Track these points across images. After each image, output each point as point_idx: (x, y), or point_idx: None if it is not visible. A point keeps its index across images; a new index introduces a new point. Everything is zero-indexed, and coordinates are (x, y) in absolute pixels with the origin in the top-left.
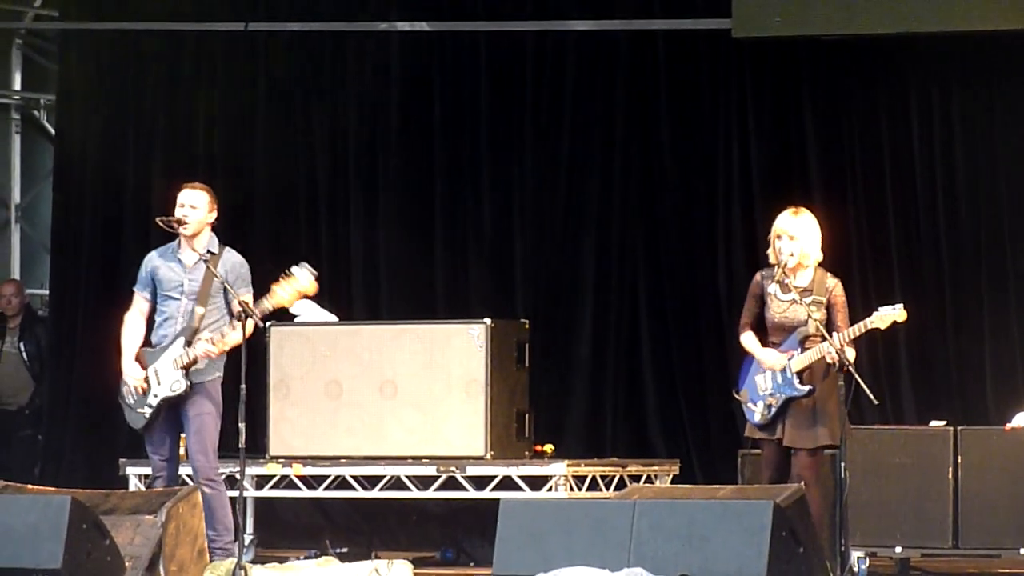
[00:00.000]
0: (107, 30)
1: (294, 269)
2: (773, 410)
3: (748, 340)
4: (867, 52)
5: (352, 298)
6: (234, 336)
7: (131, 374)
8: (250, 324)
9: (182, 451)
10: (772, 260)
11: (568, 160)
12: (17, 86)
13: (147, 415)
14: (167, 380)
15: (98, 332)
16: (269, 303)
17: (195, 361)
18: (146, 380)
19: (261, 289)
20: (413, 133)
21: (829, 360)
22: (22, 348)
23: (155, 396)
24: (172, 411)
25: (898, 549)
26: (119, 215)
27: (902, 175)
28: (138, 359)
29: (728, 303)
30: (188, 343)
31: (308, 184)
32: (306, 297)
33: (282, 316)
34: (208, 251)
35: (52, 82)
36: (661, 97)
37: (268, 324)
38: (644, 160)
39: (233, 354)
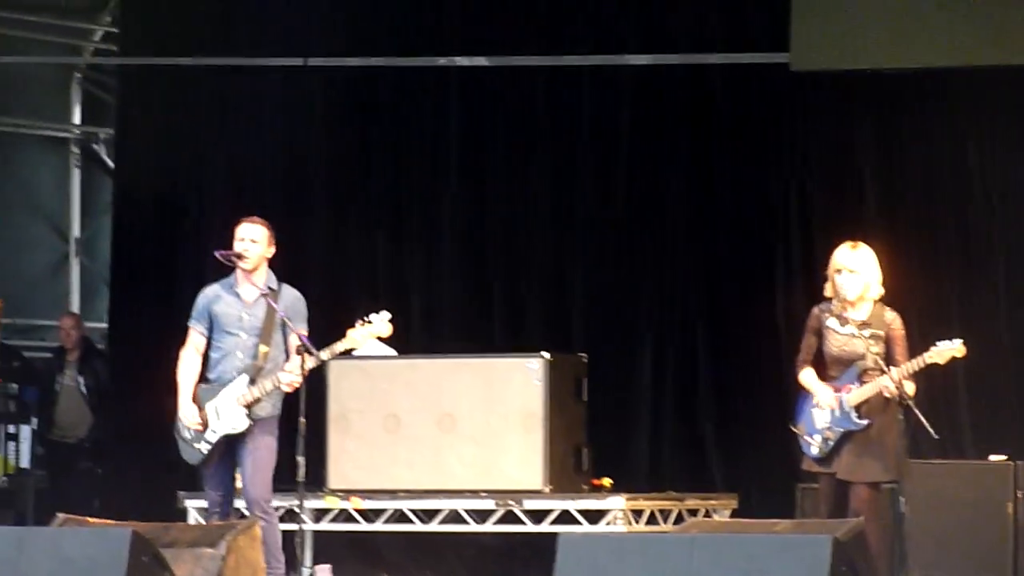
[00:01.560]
0: (166, 65)
1: (373, 316)
2: (830, 444)
3: (806, 376)
4: (925, 85)
5: (410, 332)
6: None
7: (187, 415)
8: (309, 361)
9: (237, 485)
10: (829, 294)
11: (625, 193)
12: (77, 120)
13: (204, 451)
14: (228, 418)
15: (157, 365)
16: (341, 345)
17: (258, 400)
18: (203, 419)
19: (318, 326)
20: (470, 166)
21: (887, 395)
22: (80, 382)
23: (214, 432)
24: (229, 446)
25: None
26: (177, 249)
27: (959, 208)
28: (194, 396)
29: (786, 336)
30: (252, 381)
31: (364, 218)
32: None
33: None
34: (268, 287)
35: (111, 116)
36: (719, 131)
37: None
38: (702, 193)
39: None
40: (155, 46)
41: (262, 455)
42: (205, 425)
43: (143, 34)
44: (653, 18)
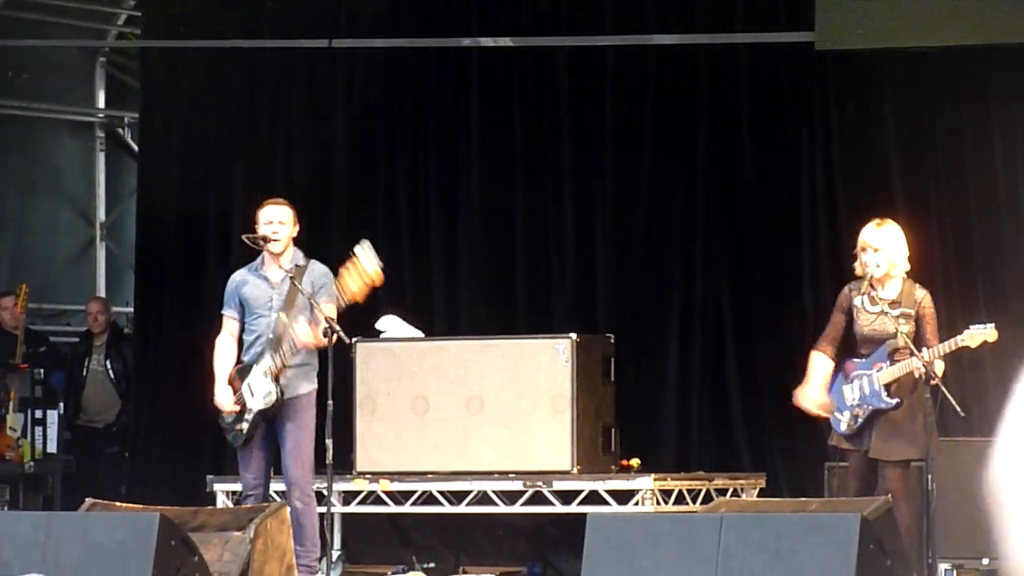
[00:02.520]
0: (189, 48)
1: (355, 249)
2: (859, 421)
3: (815, 360)
4: (949, 63)
5: (433, 313)
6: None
7: (222, 400)
8: (333, 338)
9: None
10: (858, 272)
11: (650, 174)
12: (101, 104)
13: (244, 431)
14: (260, 392)
15: (183, 349)
16: (343, 300)
17: (284, 367)
18: (238, 401)
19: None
20: (494, 148)
21: (916, 374)
22: (108, 366)
23: (250, 411)
24: (268, 428)
25: (985, 561)
26: (202, 233)
27: (985, 187)
28: (231, 381)
29: (814, 315)
30: (275, 350)
31: (388, 200)
32: (375, 286)
33: (368, 332)
34: (295, 264)
35: (136, 100)
36: (743, 110)
37: (354, 340)
38: (727, 173)
39: (319, 370)
40: (178, 29)
41: (300, 436)
42: (243, 407)
43: (166, 17)
44: None
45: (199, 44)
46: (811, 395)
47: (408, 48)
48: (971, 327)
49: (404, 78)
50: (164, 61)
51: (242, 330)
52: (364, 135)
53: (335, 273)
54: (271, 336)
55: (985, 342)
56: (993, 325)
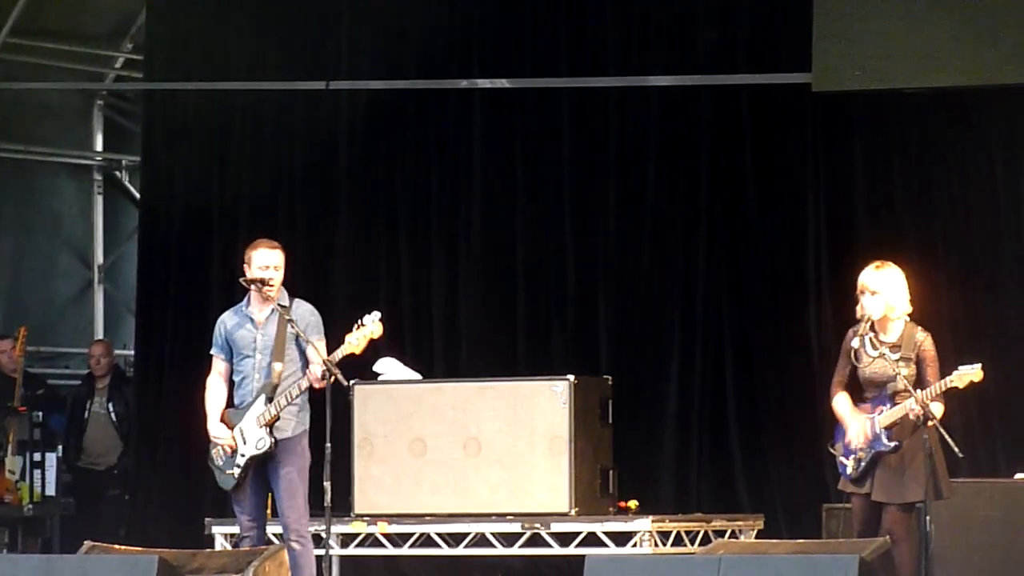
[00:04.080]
0: (189, 90)
1: (365, 318)
2: (863, 464)
3: (838, 404)
4: (947, 105)
5: (433, 356)
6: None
7: (218, 435)
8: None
9: (269, 511)
10: (858, 315)
11: (652, 215)
12: (99, 147)
13: (236, 475)
14: (252, 439)
15: (184, 391)
16: (340, 352)
17: (277, 417)
18: (233, 440)
19: (336, 343)
20: (495, 189)
21: (912, 416)
22: (110, 408)
23: (242, 456)
24: (260, 470)
25: None
26: (205, 275)
27: (986, 225)
28: (223, 421)
29: (818, 357)
30: (269, 399)
31: (389, 241)
32: (374, 341)
33: (366, 374)
34: (279, 304)
35: (134, 143)
36: (744, 152)
37: (352, 382)
38: (729, 214)
39: (317, 413)
40: (178, 71)
41: (293, 477)
42: (234, 449)
43: (167, 59)
44: (675, 40)
45: (199, 86)
46: (856, 427)
47: (408, 90)
48: (959, 368)
49: (405, 120)
50: (166, 103)
51: (231, 371)
52: (365, 177)
53: (340, 338)
54: (264, 383)
55: (972, 383)
56: (979, 365)
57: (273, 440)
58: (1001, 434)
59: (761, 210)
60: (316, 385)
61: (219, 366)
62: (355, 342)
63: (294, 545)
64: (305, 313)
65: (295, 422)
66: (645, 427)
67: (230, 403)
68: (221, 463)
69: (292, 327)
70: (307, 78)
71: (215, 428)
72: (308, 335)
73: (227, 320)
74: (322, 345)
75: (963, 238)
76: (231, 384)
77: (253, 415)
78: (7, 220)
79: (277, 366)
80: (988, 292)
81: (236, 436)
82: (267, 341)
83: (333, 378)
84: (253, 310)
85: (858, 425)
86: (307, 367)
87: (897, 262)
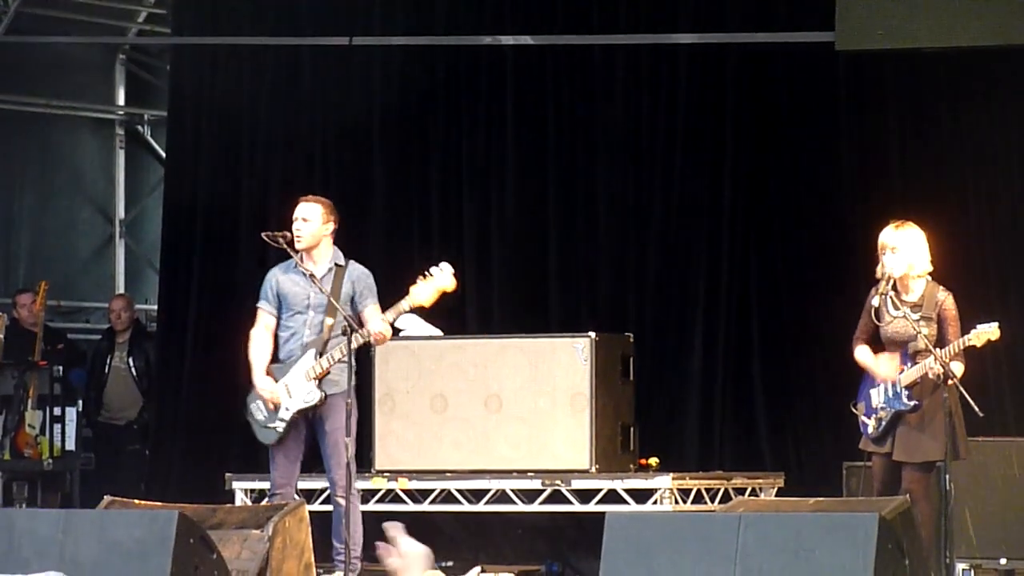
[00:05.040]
0: (217, 44)
1: (434, 269)
2: (883, 423)
3: (861, 353)
4: (970, 64)
5: (465, 311)
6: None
7: (265, 387)
8: (355, 339)
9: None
10: (878, 274)
11: (680, 171)
12: (121, 102)
13: (279, 429)
14: (300, 392)
15: (206, 348)
16: (406, 303)
17: (328, 371)
18: (277, 394)
19: (381, 298)
20: (526, 145)
21: (931, 375)
22: (131, 363)
23: (287, 410)
24: (303, 426)
25: (1003, 561)
26: (231, 232)
27: (1003, 187)
28: (268, 375)
29: (841, 315)
30: (320, 354)
31: (422, 199)
32: (444, 293)
33: None
34: (335, 263)
35: (155, 97)
36: (769, 111)
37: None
38: (753, 174)
39: None
40: (206, 26)
41: (339, 436)
42: (278, 404)
43: (195, 14)
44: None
45: (225, 40)
46: (884, 367)
47: (437, 46)
48: (977, 327)
49: (435, 76)
50: (194, 58)
51: (277, 325)
52: (393, 134)
53: (406, 288)
54: (316, 338)
55: (990, 341)
56: (996, 324)
57: (323, 393)
58: (1016, 391)
59: (786, 170)
60: (377, 342)
61: (266, 319)
62: (422, 294)
63: (340, 501)
64: (361, 275)
65: (344, 378)
66: (668, 384)
67: (274, 358)
68: (263, 417)
69: (348, 286)
70: (334, 33)
71: (261, 381)
72: (363, 296)
73: (279, 275)
74: (376, 308)
75: (977, 197)
76: (275, 340)
77: (302, 369)
78: (29, 175)
79: (329, 320)
80: (1000, 252)
81: (281, 391)
82: (321, 298)
83: (356, 337)
84: (308, 266)
85: (888, 366)
86: (363, 324)
87: (924, 220)
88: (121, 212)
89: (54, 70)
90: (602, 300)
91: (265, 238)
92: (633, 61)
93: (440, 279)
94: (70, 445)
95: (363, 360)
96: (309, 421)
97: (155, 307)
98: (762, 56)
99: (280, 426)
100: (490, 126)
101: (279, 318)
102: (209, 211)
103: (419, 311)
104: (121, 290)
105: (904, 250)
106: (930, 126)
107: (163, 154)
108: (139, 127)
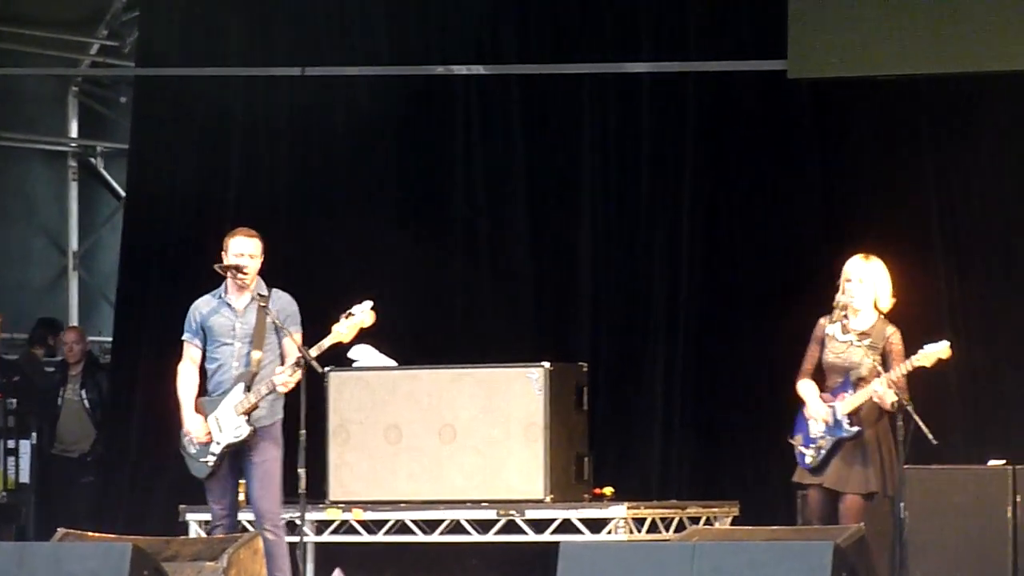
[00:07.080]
0: (177, 76)
1: (355, 308)
2: (823, 453)
3: (803, 387)
4: (922, 91)
5: (416, 342)
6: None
7: (193, 426)
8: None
9: (241, 498)
10: (836, 301)
11: (633, 200)
12: (74, 133)
13: (210, 464)
14: (229, 426)
15: (159, 380)
16: (328, 341)
17: (256, 406)
18: (208, 431)
19: (322, 331)
20: (475, 174)
21: (876, 399)
22: (83, 395)
23: (218, 444)
24: (235, 458)
25: None
26: (189, 264)
27: (952, 212)
28: (197, 409)
29: (800, 345)
30: (248, 388)
31: (372, 230)
32: (363, 330)
33: (341, 361)
34: (259, 294)
35: (109, 129)
36: (724, 139)
37: (327, 369)
38: (714, 199)
39: (292, 399)
40: (165, 58)
41: (269, 466)
42: (210, 438)
43: (158, 44)
44: (656, 25)
45: (182, 72)
46: (818, 408)
47: (389, 76)
48: (925, 346)
49: (393, 107)
50: (155, 88)
51: (203, 358)
52: (349, 165)
53: (328, 329)
54: (244, 370)
55: (940, 360)
56: (947, 343)
57: (252, 428)
58: (968, 418)
59: (742, 198)
60: (281, 390)
61: (192, 352)
62: (343, 331)
63: (267, 535)
64: (284, 303)
65: (272, 410)
66: (622, 413)
67: (202, 391)
68: (194, 451)
69: (270, 317)
70: (285, 64)
71: (190, 419)
72: (287, 324)
73: (202, 306)
74: (299, 336)
75: (927, 222)
76: (203, 372)
77: (231, 403)
78: None
79: (256, 354)
80: (951, 276)
81: (212, 424)
82: (246, 329)
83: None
84: (231, 298)
85: (821, 406)
86: (283, 358)
87: (885, 245)
88: (74, 244)
89: (6, 102)
90: (556, 329)
91: (218, 270)
92: (596, 89)
93: (359, 316)
94: (24, 478)
95: (317, 390)
96: (237, 453)
97: (108, 339)
98: (722, 84)
99: (211, 460)
100: (443, 157)
101: (204, 350)
102: (166, 243)
103: (366, 341)
104: (75, 322)
105: (870, 282)
106: (892, 153)
107: (116, 186)
108: (92, 159)
